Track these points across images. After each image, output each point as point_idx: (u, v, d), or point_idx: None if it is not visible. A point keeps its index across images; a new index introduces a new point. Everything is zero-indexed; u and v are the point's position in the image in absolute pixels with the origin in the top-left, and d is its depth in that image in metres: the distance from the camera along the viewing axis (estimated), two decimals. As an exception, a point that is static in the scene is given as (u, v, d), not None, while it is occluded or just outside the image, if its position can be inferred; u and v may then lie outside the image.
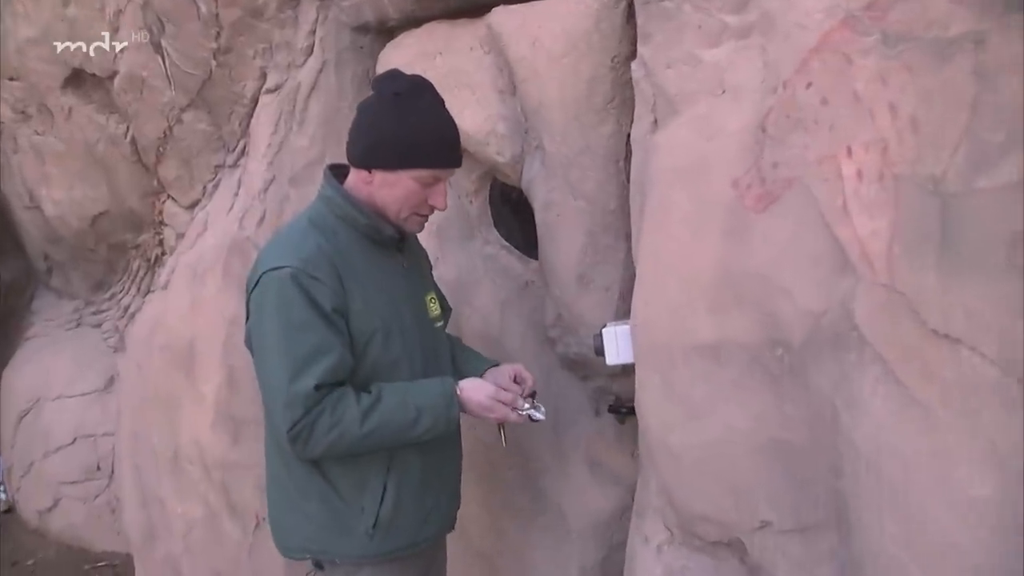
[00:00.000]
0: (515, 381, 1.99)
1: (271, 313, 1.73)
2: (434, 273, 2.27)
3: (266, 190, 2.84)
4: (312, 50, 2.76)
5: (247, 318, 1.82)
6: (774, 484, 1.64)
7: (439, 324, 2.02)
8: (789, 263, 1.57)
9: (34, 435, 3.69)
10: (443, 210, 1.89)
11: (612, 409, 2.31)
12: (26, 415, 3.74)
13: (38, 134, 3.43)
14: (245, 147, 3.02)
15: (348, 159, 1.86)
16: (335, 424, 1.71)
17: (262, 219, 2.83)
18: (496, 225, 2.60)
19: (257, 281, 1.76)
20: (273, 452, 1.90)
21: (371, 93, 1.84)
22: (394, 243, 1.91)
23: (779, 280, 1.58)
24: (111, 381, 3.66)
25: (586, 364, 2.32)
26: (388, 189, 1.82)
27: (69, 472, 3.58)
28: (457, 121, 1.90)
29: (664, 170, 1.85)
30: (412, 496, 1.86)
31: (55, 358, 3.79)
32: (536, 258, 2.44)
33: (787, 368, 1.60)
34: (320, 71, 2.75)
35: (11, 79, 3.35)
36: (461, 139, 1.90)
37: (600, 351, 1.98)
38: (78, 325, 3.94)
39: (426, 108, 1.81)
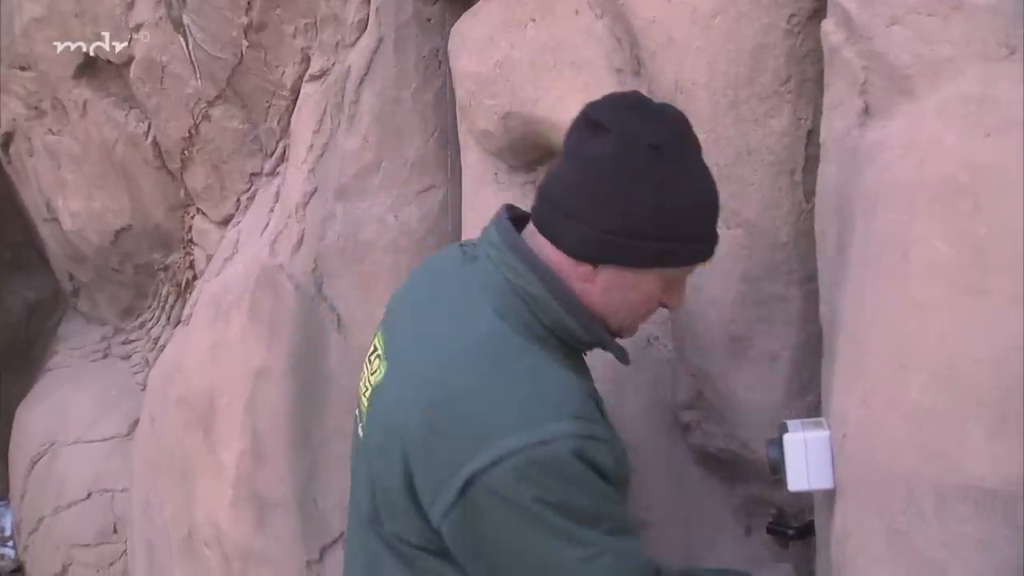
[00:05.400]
0: None
1: (543, 529, 1.09)
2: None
3: (306, 204, 2.22)
4: (366, 25, 2.11)
5: (465, 535, 1.15)
6: None
7: None
8: None
9: (46, 486, 3.16)
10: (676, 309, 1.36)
11: (772, 529, 1.61)
12: (39, 461, 3.21)
13: (52, 133, 2.90)
14: (285, 150, 2.41)
15: (553, 238, 1.18)
16: None
17: (299, 242, 2.20)
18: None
19: (472, 479, 1.09)
20: None
21: (592, 131, 1.15)
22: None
23: None
24: (136, 425, 3.10)
25: (734, 462, 1.62)
26: (623, 293, 1.20)
27: (82, 533, 3.03)
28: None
29: (896, 187, 1.14)
30: None
31: (76, 394, 3.25)
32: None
33: None
34: (375, 51, 2.09)
35: (21, 68, 2.83)
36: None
37: (778, 467, 1.27)
38: (105, 356, 3.40)
39: (697, 172, 1.19)
